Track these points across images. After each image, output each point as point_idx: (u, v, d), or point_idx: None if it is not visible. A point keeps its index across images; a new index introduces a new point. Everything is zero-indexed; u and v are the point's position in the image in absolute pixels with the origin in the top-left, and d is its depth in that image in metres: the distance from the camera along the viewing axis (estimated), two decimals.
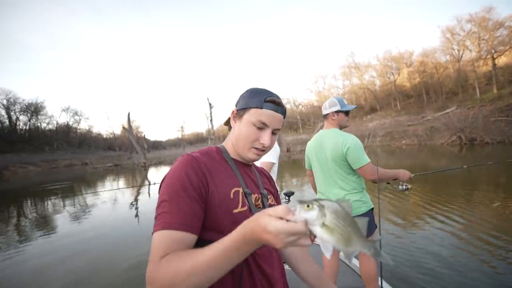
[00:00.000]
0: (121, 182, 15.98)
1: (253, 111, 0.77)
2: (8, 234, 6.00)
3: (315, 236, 0.49)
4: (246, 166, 0.86)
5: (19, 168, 35.30)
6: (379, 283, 1.99)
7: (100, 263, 3.85)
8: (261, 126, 0.77)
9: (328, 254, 0.47)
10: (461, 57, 39.82)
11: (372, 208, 1.87)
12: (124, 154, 46.74)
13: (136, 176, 19.30)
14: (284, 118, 0.83)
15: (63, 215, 7.56)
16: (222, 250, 0.53)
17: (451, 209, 4.93)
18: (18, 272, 3.75)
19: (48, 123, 59.29)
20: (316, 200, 0.49)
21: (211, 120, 30.46)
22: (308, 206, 0.47)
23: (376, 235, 1.85)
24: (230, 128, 0.88)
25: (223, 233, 0.58)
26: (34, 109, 55.29)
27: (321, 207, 0.48)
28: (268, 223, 0.48)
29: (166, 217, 0.62)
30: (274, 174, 2.09)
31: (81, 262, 3.92)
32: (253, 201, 0.78)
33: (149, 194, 10.12)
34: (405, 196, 6.27)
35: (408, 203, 5.81)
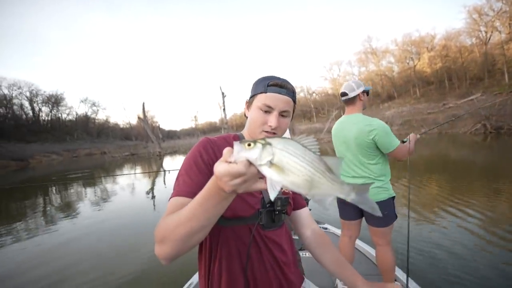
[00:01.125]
0: (138, 170, 16.41)
1: (259, 97, 0.81)
2: (41, 218, 6.30)
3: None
4: None
5: (43, 157, 37.14)
6: (405, 280, 1.92)
7: (122, 247, 3.98)
8: (267, 110, 0.79)
9: (272, 195, 0.43)
10: (489, 39, 37.17)
11: (394, 197, 1.80)
12: (140, 143, 47.95)
13: (152, 165, 19.76)
14: (293, 100, 0.84)
15: (86, 202, 7.86)
16: (197, 202, 0.55)
17: (469, 202, 4.68)
18: (48, 255, 3.92)
19: (68, 114, 61.82)
20: (263, 139, 0.45)
21: (224, 109, 30.43)
22: (249, 145, 0.44)
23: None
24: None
25: (230, 209, 0.64)
26: (55, 101, 57.65)
27: (266, 145, 0.43)
28: (215, 167, 0.47)
29: (178, 186, 0.72)
30: None
31: (104, 245, 4.09)
32: None
33: (164, 182, 10.32)
34: (423, 186, 6.02)
35: (427, 193, 5.56)
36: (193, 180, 0.71)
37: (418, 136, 1.93)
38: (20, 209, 7.66)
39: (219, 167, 0.46)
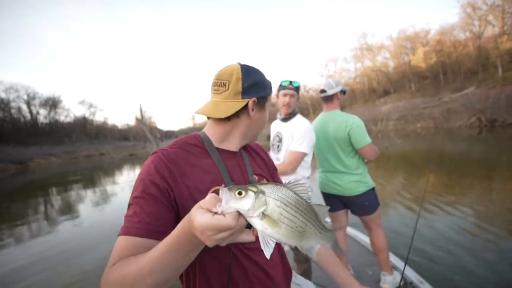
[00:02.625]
0: (137, 171, 16.57)
1: (270, 97, 0.78)
2: (46, 220, 6.49)
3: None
4: (232, 153, 0.77)
5: (42, 160, 37.08)
6: (400, 266, 2.09)
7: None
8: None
9: (267, 253, 0.39)
10: (483, 33, 37.48)
11: (373, 188, 1.91)
12: (138, 144, 47.95)
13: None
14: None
15: (88, 204, 8.04)
16: (163, 250, 0.47)
17: (467, 195, 4.90)
18: (50, 255, 4.12)
19: (66, 116, 61.51)
20: (253, 185, 0.41)
21: None
22: (240, 193, 0.39)
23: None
24: (229, 117, 0.73)
25: None
26: (52, 103, 57.38)
27: (259, 194, 0.39)
28: (194, 217, 0.40)
29: (127, 221, 0.58)
30: (304, 169, 1.81)
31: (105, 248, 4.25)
32: None
33: None
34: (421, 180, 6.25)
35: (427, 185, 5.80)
36: (146, 212, 0.58)
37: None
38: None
39: (201, 218, 0.39)
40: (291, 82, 1.77)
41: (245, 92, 0.71)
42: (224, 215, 0.38)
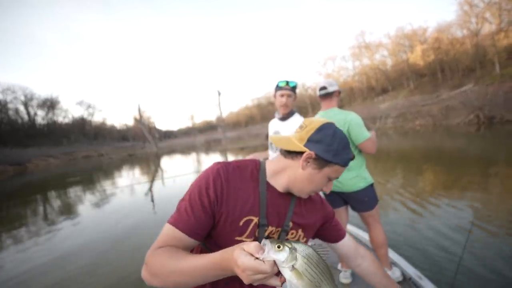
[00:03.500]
0: (136, 171, 16.55)
1: (335, 167, 0.75)
2: (46, 222, 6.47)
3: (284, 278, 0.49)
4: (281, 195, 0.79)
5: (41, 161, 36.97)
6: (397, 260, 2.15)
7: (122, 246, 4.13)
8: (333, 179, 0.78)
9: None
10: (480, 30, 37.57)
11: (372, 184, 1.94)
12: (137, 144, 47.84)
13: (150, 165, 19.89)
14: None
15: (88, 204, 8.03)
16: (200, 266, 0.57)
17: (462, 193, 4.92)
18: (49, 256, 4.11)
19: (64, 117, 61.34)
20: (289, 242, 0.49)
21: (219, 106, 30.56)
22: (279, 247, 0.47)
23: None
24: (285, 156, 0.79)
25: (223, 247, 0.65)
26: (50, 104, 57.22)
27: (293, 250, 0.48)
28: (238, 256, 0.48)
29: (179, 215, 0.70)
30: None
31: (106, 246, 4.25)
32: (266, 233, 0.77)
33: (162, 182, 10.51)
34: (421, 176, 6.28)
35: (421, 183, 5.83)
36: (195, 217, 0.70)
37: (374, 132, 2.03)
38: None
39: (245, 260, 0.47)
40: (287, 83, 1.82)
41: (309, 142, 0.73)
42: (264, 261, 0.47)
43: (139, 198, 7.92)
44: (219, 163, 0.77)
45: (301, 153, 0.73)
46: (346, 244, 0.93)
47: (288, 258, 0.47)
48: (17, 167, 31.95)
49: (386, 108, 35.51)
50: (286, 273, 0.48)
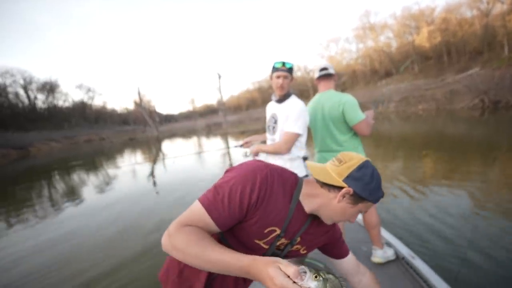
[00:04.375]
0: (138, 155, 16.64)
1: (369, 204, 0.79)
2: (52, 205, 6.58)
3: None
4: (304, 213, 0.84)
5: (43, 145, 37.16)
6: (391, 240, 2.23)
7: (129, 228, 4.22)
8: (362, 213, 0.83)
9: None
10: (491, 10, 36.11)
11: None
12: (138, 128, 47.76)
13: (151, 149, 19.97)
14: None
15: (92, 188, 8.13)
16: (227, 261, 0.61)
17: (464, 176, 4.91)
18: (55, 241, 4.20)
19: (64, 101, 60.90)
20: (323, 272, 0.55)
21: (220, 90, 30.18)
22: (316, 276, 0.53)
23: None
24: (322, 186, 0.81)
25: (239, 242, 0.78)
26: (50, 88, 56.68)
27: (325, 281, 0.53)
28: (276, 276, 0.52)
29: (214, 202, 0.71)
30: (298, 149, 1.87)
31: (113, 228, 4.33)
32: (277, 243, 0.83)
33: (164, 167, 10.58)
34: (421, 163, 6.27)
35: (422, 168, 5.81)
36: (230, 211, 0.71)
37: (372, 110, 2.06)
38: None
39: (284, 281, 0.52)
40: (283, 64, 1.77)
41: (349, 178, 0.75)
42: (300, 287, 0.52)
43: (141, 181, 8.00)
44: (267, 166, 0.78)
45: (339, 186, 0.76)
46: (348, 261, 0.99)
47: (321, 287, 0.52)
48: (20, 151, 32.16)
49: (389, 92, 34.94)
50: None
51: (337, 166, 0.77)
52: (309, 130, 2.00)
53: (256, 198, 0.72)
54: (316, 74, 2.03)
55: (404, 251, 2.04)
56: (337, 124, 1.91)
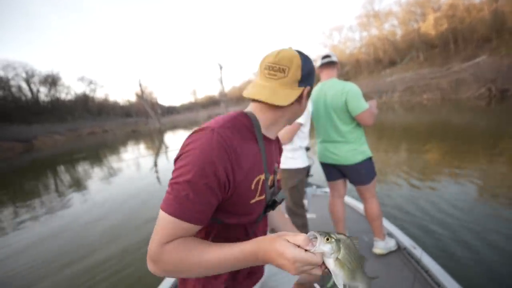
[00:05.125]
0: (141, 147, 16.71)
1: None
2: (61, 198, 6.67)
3: (325, 267, 0.52)
4: (272, 142, 0.80)
5: (47, 138, 37.46)
6: (393, 230, 2.21)
7: (132, 219, 4.31)
8: None
9: (340, 285, 0.51)
10: None
11: (371, 157, 1.93)
12: (141, 120, 47.85)
13: (154, 141, 20.03)
14: None
15: (97, 180, 8.20)
16: (229, 257, 0.56)
17: (467, 169, 4.84)
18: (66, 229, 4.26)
19: (67, 94, 60.97)
20: (333, 233, 0.52)
21: (221, 81, 29.96)
22: (327, 239, 0.50)
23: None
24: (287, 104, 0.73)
25: (232, 217, 0.68)
26: (52, 81, 56.69)
27: (338, 242, 0.51)
28: (286, 249, 0.49)
29: (180, 203, 0.58)
30: (301, 139, 1.86)
31: (117, 217, 4.38)
32: (268, 184, 0.76)
33: (167, 158, 10.61)
34: (423, 152, 6.20)
35: (425, 159, 5.75)
36: (202, 203, 0.59)
37: (374, 100, 2.01)
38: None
39: (296, 252, 0.49)
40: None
41: (302, 80, 0.72)
42: (314, 253, 0.49)
43: (144, 172, 8.05)
44: (212, 129, 0.61)
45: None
46: None
47: (335, 249, 0.50)
48: (25, 144, 32.47)
49: (393, 82, 34.38)
50: (331, 263, 0.50)
51: (284, 77, 0.70)
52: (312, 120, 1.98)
53: (223, 171, 0.60)
54: (318, 63, 1.98)
55: (406, 241, 2.03)
56: (340, 113, 1.85)
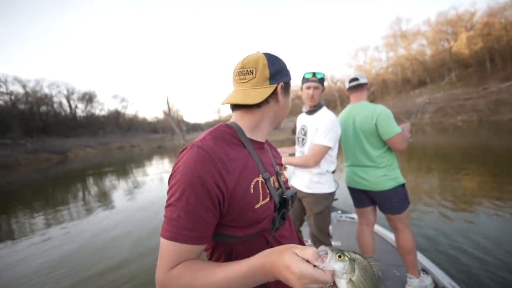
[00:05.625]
0: (165, 162, 17.07)
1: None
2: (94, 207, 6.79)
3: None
4: (261, 144, 0.78)
5: (80, 150, 39.95)
6: (428, 265, 2.01)
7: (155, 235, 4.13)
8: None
9: None
10: None
11: (403, 184, 1.78)
12: (167, 136, 49.70)
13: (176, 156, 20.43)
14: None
15: (125, 194, 8.33)
16: (238, 275, 0.53)
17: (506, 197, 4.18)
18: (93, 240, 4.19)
19: (100, 110, 65.64)
20: (348, 252, 0.47)
21: None
22: (340, 256, 0.45)
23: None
24: (259, 105, 0.71)
25: (244, 228, 0.62)
26: (89, 98, 61.56)
27: (352, 261, 0.45)
28: (293, 263, 0.46)
29: (173, 225, 0.57)
30: (328, 163, 1.75)
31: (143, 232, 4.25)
32: (272, 186, 0.72)
33: None
34: (455, 178, 5.53)
35: (462, 185, 5.10)
36: (195, 221, 0.56)
37: (409, 122, 1.92)
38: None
39: (303, 267, 0.45)
40: (314, 74, 1.72)
41: (273, 77, 0.71)
42: (324, 271, 0.44)
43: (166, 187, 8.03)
44: (193, 145, 0.62)
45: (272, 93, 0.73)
46: None
47: (348, 269, 0.45)
48: (60, 156, 34.84)
49: (423, 102, 32.80)
50: (342, 284, 0.45)
51: (253, 78, 0.70)
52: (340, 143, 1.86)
53: (213, 183, 0.57)
54: (346, 85, 1.92)
55: (445, 280, 1.83)
56: (369, 137, 1.76)
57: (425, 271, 1.95)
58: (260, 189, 0.67)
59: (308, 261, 0.45)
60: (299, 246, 0.49)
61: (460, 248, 2.77)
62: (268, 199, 0.68)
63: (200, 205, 0.56)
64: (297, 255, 0.47)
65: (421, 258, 2.08)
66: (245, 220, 0.63)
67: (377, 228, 2.70)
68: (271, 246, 0.63)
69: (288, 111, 0.80)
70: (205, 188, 0.57)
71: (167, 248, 0.57)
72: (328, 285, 0.47)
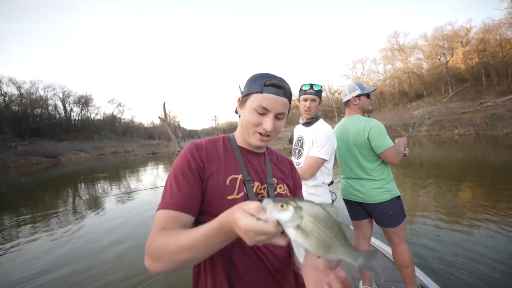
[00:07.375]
0: (160, 168, 16.62)
1: (254, 96, 0.75)
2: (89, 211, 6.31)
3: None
4: (253, 154, 0.85)
5: (73, 155, 39.15)
6: (425, 280, 2.01)
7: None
8: (263, 112, 0.75)
9: (300, 258, 0.45)
10: None
11: (398, 196, 1.79)
12: (163, 142, 49.13)
13: (172, 162, 19.97)
14: (289, 101, 0.79)
15: (115, 202, 7.86)
16: (202, 235, 0.55)
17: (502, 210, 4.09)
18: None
19: (96, 114, 64.98)
20: (293, 200, 0.46)
21: None
22: (282, 206, 0.45)
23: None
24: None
25: (216, 216, 0.64)
26: (85, 101, 61.03)
27: (297, 209, 0.45)
28: (239, 218, 0.47)
29: (166, 198, 0.69)
30: (324, 175, 1.74)
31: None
32: (254, 189, 0.78)
33: None
34: (448, 190, 5.23)
35: (459, 198, 4.79)
36: (182, 192, 0.69)
37: (406, 136, 1.97)
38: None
39: (247, 221, 0.45)
40: (311, 86, 1.74)
41: (243, 92, 0.81)
42: (266, 222, 0.45)
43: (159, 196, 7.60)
44: (190, 143, 0.79)
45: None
46: None
47: (293, 217, 0.44)
48: (52, 160, 33.99)
49: (420, 115, 32.92)
50: (291, 232, 0.44)
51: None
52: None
53: (195, 163, 0.73)
54: (343, 99, 1.98)
55: None
56: (363, 151, 1.80)
57: (423, 286, 1.98)
58: (237, 185, 0.74)
59: (253, 215, 0.46)
60: (248, 202, 0.49)
61: (458, 263, 2.77)
62: (242, 195, 0.74)
63: (185, 180, 0.70)
64: (244, 210, 0.48)
65: (420, 274, 2.09)
66: (217, 208, 0.67)
67: (374, 241, 2.70)
68: (239, 240, 0.64)
69: (246, 124, 0.78)
70: (190, 167, 0.72)
71: (157, 218, 0.67)
72: (278, 236, 0.47)
